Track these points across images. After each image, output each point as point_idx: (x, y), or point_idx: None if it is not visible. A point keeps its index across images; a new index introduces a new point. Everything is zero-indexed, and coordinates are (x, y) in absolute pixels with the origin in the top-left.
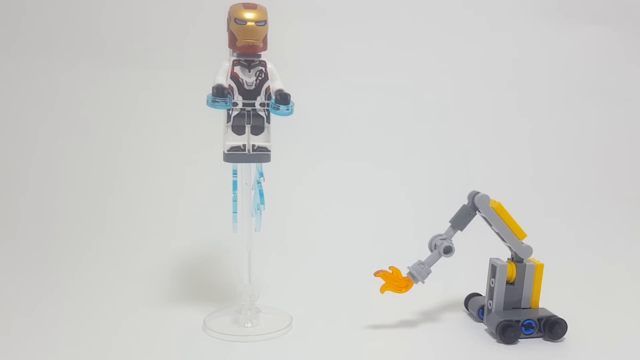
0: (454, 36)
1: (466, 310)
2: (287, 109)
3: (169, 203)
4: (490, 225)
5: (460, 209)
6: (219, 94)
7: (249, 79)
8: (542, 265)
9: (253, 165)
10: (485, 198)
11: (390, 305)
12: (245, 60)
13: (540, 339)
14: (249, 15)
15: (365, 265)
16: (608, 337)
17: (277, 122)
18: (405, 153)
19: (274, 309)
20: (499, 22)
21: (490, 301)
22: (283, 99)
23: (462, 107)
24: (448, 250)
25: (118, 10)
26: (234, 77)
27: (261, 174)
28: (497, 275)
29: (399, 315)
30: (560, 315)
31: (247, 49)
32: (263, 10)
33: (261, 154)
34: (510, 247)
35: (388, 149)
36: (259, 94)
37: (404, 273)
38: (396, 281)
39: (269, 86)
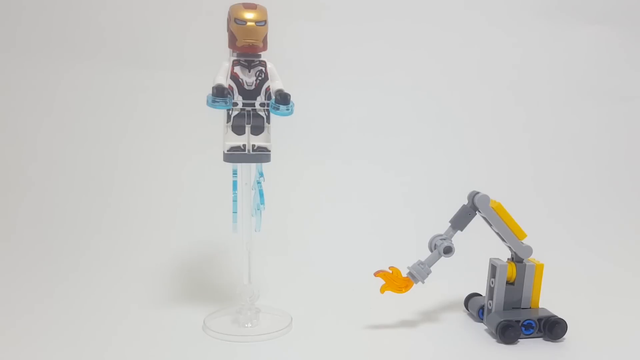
0: (454, 36)
1: (466, 310)
2: (287, 109)
3: (168, 203)
4: (490, 225)
5: (460, 209)
6: (219, 94)
7: (249, 79)
8: (542, 265)
9: (253, 165)
10: (485, 198)
11: (390, 305)
12: (245, 60)
13: (540, 339)
14: (249, 15)
15: (365, 266)
16: (608, 337)
17: (277, 122)
18: (405, 153)
19: (274, 309)
20: (499, 22)
21: (490, 301)
22: (283, 99)
23: (462, 107)
24: (448, 250)
25: (118, 10)
26: (234, 77)
27: (261, 174)
28: (497, 275)
29: (399, 315)
30: (560, 315)
31: (247, 49)
32: (263, 10)
33: (261, 154)
34: (510, 247)
35: (388, 149)
36: (259, 94)
37: (404, 273)
38: (396, 281)
39: (269, 86)
